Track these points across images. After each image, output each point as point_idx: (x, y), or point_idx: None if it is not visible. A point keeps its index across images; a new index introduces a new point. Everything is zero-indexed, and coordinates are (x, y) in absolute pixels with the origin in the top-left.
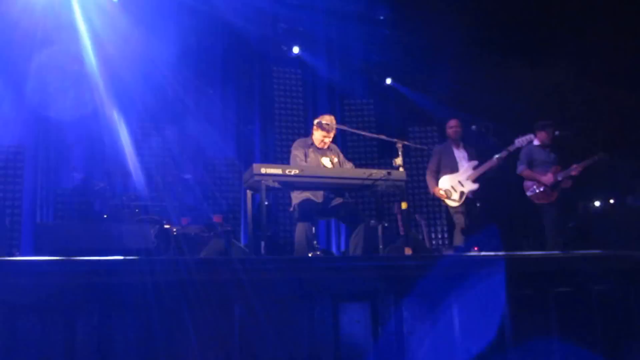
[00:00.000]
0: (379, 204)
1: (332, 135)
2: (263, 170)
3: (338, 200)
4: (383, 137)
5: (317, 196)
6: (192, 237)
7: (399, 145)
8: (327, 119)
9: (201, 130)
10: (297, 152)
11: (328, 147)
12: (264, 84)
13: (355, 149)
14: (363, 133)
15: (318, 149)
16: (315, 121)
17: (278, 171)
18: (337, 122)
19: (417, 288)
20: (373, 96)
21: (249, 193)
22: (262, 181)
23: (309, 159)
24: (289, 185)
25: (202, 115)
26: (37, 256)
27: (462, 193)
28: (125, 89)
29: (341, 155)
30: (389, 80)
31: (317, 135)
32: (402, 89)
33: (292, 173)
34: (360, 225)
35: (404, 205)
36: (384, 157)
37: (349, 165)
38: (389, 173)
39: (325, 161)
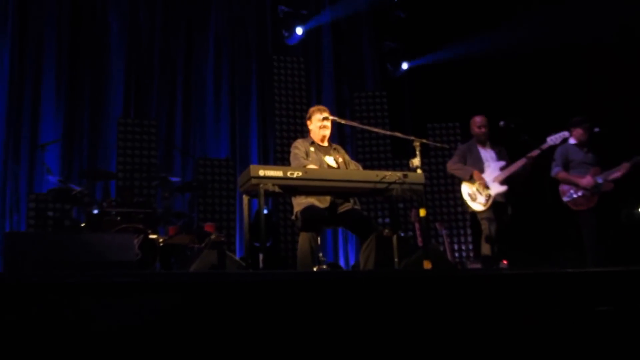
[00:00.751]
0: (393, 211)
1: (329, 121)
2: (261, 173)
3: (346, 207)
4: (398, 134)
5: (323, 202)
6: (180, 248)
7: (417, 143)
8: (318, 106)
9: (191, 126)
10: (297, 151)
11: (332, 146)
12: (262, 74)
13: (367, 148)
14: (375, 130)
15: (320, 146)
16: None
17: (279, 173)
18: (347, 118)
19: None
20: (386, 88)
21: (245, 198)
22: (261, 185)
23: (310, 159)
24: (291, 189)
25: (192, 109)
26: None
27: (488, 196)
28: (106, 77)
29: (347, 156)
30: (405, 65)
31: (314, 127)
32: (419, 77)
33: (295, 175)
34: (372, 235)
35: (422, 212)
36: (399, 157)
37: (358, 167)
38: (405, 175)
39: (329, 160)
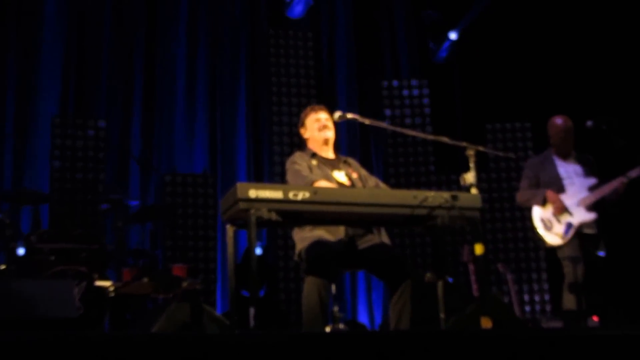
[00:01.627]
0: (438, 247)
1: (330, 120)
2: (253, 194)
3: (370, 241)
4: (444, 139)
5: (336, 234)
6: (139, 300)
7: (471, 152)
8: (311, 106)
9: (155, 131)
10: (297, 166)
11: (341, 158)
12: (253, 55)
13: (400, 158)
14: (412, 133)
15: (325, 159)
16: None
17: (277, 194)
18: (371, 117)
19: None
20: (427, 74)
21: (229, 230)
22: (252, 211)
23: (314, 175)
24: (294, 216)
25: (155, 108)
26: None
27: (569, 225)
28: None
29: (363, 170)
30: (453, 35)
31: (312, 133)
32: (473, 60)
33: (300, 197)
34: (407, 281)
35: (478, 250)
36: (445, 171)
37: (379, 184)
38: (454, 197)
39: (339, 176)
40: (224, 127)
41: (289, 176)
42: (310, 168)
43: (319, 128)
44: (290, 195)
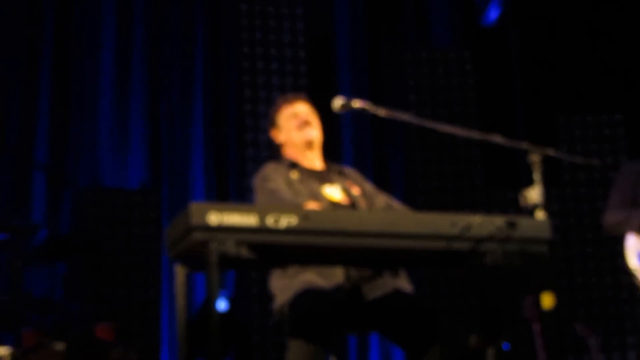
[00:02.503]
0: (487, 298)
1: (313, 115)
2: (214, 219)
3: (382, 287)
4: (496, 138)
5: (333, 278)
6: None
7: (536, 158)
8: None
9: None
10: (271, 184)
11: (333, 168)
12: (215, 29)
13: (431, 167)
14: (447, 130)
15: (309, 171)
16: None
17: (249, 220)
18: (387, 107)
19: None
20: (471, 44)
21: (179, 273)
22: (212, 244)
23: (294, 191)
24: (273, 253)
25: (71, 101)
26: None
27: None
28: None
29: (368, 185)
30: None
31: (287, 134)
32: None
33: (284, 225)
34: (434, 347)
35: (547, 302)
36: (497, 185)
37: (392, 203)
38: (510, 224)
39: (332, 192)
40: (171, 126)
41: (260, 199)
42: (290, 184)
43: (298, 126)
44: (269, 221)
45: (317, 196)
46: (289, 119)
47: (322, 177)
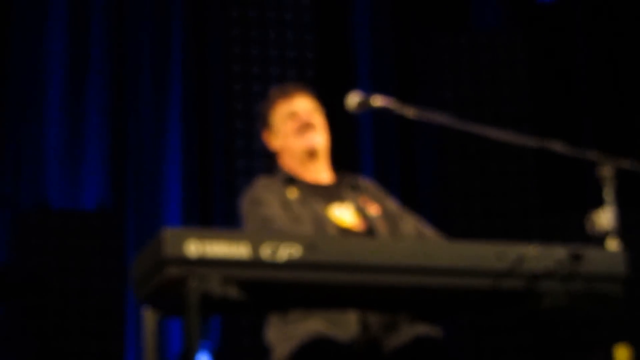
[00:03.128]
0: (544, 351)
1: (317, 112)
2: (194, 249)
3: (405, 334)
4: (556, 146)
5: (346, 327)
6: None
7: (607, 172)
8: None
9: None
10: (263, 210)
11: (347, 181)
12: (194, 11)
13: (472, 181)
14: (495, 136)
15: (313, 187)
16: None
17: (240, 250)
18: (418, 105)
19: None
20: (524, 24)
21: (149, 318)
22: (192, 282)
23: (292, 217)
24: (270, 293)
25: (9, 100)
26: None
27: None
28: None
29: (391, 202)
30: None
31: (284, 140)
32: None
33: (283, 257)
34: None
35: (622, 356)
36: (557, 206)
37: (423, 229)
38: (575, 257)
39: (342, 214)
40: (138, 131)
41: (248, 222)
42: (287, 207)
43: (297, 130)
44: (265, 252)
45: (322, 221)
46: (286, 120)
47: (330, 194)
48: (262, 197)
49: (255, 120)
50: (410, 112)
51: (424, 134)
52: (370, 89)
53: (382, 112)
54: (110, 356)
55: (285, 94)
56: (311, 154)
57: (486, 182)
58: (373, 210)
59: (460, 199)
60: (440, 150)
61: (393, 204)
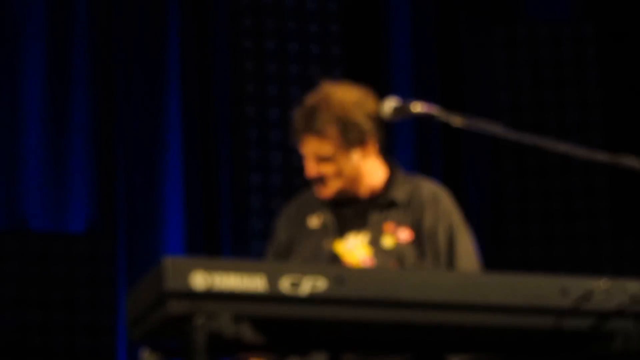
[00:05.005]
0: None
1: (329, 152)
2: (201, 282)
3: None
4: (631, 162)
5: None
6: None
7: None
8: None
9: None
10: (270, 243)
11: (392, 199)
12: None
13: (527, 202)
14: (556, 149)
15: (339, 209)
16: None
17: (254, 282)
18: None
19: None
20: (595, 14)
21: None
22: (198, 319)
23: (299, 247)
24: (288, 331)
25: None
26: None
27: None
28: None
29: (441, 223)
30: None
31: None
32: None
33: (306, 290)
34: None
35: None
36: (630, 230)
37: (467, 260)
38: None
39: (353, 247)
40: (131, 140)
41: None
42: (300, 239)
43: (309, 177)
44: (284, 284)
45: (319, 258)
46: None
47: (354, 218)
48: (277, 227)
49: (271, 128)
50: (457, 120)
51: (474, 146)
52: (408, 91)
53: (423, 120)
54: None
55: (294, 132)
56: (328, 191)
57: (546, 203)
58: (398, 237)
59: (517, 222)
60: (493, 166)
61: (442, 227)
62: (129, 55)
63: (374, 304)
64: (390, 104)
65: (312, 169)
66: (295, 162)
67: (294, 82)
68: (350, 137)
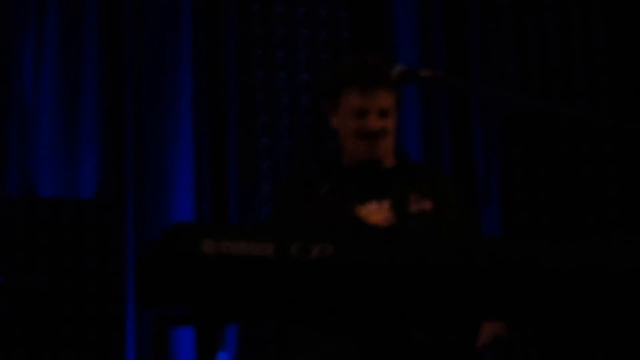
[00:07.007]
0: None
1: (392, 109)
2: (210, 248)
3: None
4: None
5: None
6: None
7: None
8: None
9: None
10: (274, 212)
11: (410, 168)
12: None
13: (535, 171)
14: (568, 113)
15: (356, 175)
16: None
17: (263, 248)
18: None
19: None
20: None
21: (157, 329)
22: (209, 284)
23: (314, 214)
24: (294, 297)
25: None
26: None
27: None
28: None
29: (457, 205)
30: None
31: (343, 126)
32: None
33: (314, 255)
34: None
35: None
36: (636, 195)
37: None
38: None
39: (371, 212)
40: (142, 106)
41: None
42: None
43: (361, 134)
44: (293, 250)
45: (344, 218)
46: (353, 114)
47: (377, 184)
48: (279, 196)
49: (279, 92)
50: (464, 86)
51: (482, 113)
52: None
53: (430, 86)
54: None
55: (362, 84)
56: (370, 150)
57: (555, 171)
58: (422, 205)
59: (526, 189)
60: (503, 135)
61: (456, 210)
62: (140, 23)
63: (384, 270)
64: (398, 68)
65: (374, 122)
66: (304, 128)
67: (303, 48)
68: (399, 95)
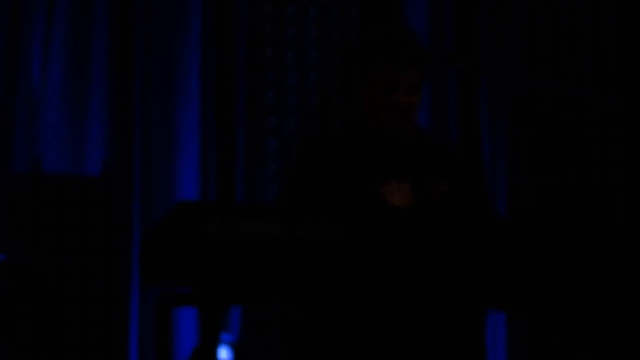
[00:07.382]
0: None
1: (415, 98)
2: (215, 227)
3: None
4: None
5: None
6: None
7: None
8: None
9: None
10: (288, 184)
11: (431, 144)
12: None
13: (541, 153)
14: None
15: (376, 151)
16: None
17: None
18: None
19: None
20: None
21: (161, 307)
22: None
23: (335, 190)
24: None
25: None
26: None
27: None
28: None
29: (472, 181)
30: None
31: (371, 100)
32: None
33: (320, 236)
34: None
35: None
36: None
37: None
38: None
39: (395, 192)
40: (150, 82)
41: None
42: (330, 176)
43: (390, 109)
44: (299, 230)
45: (362, 199)
46: (384, 88)
47: (398, 164)
48: (300, 163)
49: (289, 70)
50: (471, 65)
51: (490, 94)
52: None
53: (438, 65)
54: (112, 347)
55: (395, 58)
56: (392, 135)
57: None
58: (440, 188)
59: (533, 171)
60: (510, 116)
61: (471, 191)
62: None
63: (392, 250)
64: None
65: (405, 99)
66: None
67: (312, 24)
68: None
